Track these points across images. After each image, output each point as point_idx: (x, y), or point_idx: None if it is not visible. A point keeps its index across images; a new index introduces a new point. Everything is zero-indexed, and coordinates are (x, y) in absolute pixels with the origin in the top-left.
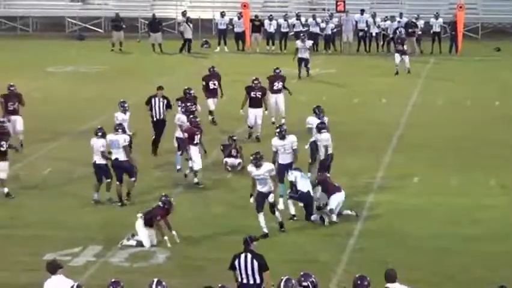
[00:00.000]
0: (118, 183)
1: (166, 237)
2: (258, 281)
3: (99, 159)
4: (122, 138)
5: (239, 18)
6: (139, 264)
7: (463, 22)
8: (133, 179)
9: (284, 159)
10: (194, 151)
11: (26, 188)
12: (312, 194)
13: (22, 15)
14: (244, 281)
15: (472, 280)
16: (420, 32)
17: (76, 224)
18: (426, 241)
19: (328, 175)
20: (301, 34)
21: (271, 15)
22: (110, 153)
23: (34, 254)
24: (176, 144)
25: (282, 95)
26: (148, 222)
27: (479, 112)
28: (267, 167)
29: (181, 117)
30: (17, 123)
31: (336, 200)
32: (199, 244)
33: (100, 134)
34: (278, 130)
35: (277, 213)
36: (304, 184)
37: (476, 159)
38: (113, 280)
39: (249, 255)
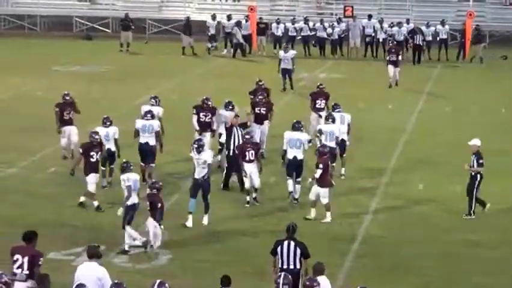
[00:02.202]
0: (142, 164)
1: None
2: (297, 266)
3: (113, 147)
4: (156, 124)
5: (246, 21)
6: (141, 265)
7: (472, 30)
8: (153, 165)
9: (199, 173)
10: (248, 168)
11: (29, 187)
12: (299, 159)
13: (30, 14)
14: (285, 266)
15: (473, 285)
16: (430, 39)
17: (79, 223)
18: (429, 247)
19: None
20: (285, 44)
21: (278, 18)
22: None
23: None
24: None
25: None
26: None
27: (485, 119)
28: (133, 176)
29: (223, 113)
30: (72, 133)
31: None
32: (201, 246)
33: (108, 123)
34: (196, 145)
35: (128, 232)
36: (291, 152)
37: None
38: (115, 281)
39: (292, 243)
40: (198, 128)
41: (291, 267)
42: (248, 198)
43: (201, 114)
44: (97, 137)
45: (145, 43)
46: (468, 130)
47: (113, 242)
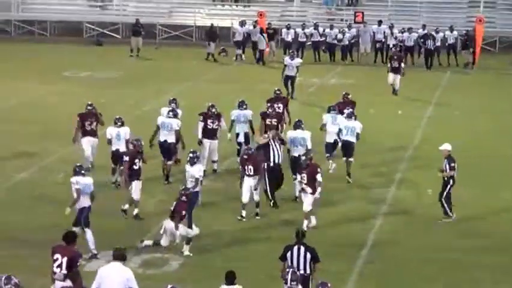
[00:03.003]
0: (164, 160)
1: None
2: (307, 271)
3: (123, 147)
4: (176, 123)
5: (254, 27)
6: (152, 271)
7: (482, 36)
8: (170, 162)
9: (188, 185)
10: (247, 182)
11: (40, 192)
12: (301, 156)
13: (40, 20)
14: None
15: None
16: (439, 44)
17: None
18: (438, 253)
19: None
20: (291, 51)
21: (288, 24)
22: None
23: (47, 258)
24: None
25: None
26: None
27: (494, 125)
28: (84, 180)
29: (239, 112)
30: (93, 145)
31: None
32: (212, 252)
33: (120, 123)
34: (190, 156)
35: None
36: (295, 150)
37: (489, 171)
38: None
39: (302, 248)
40: (201, 136)
41: (301, 272)
42: (244, 213)
43: (209, 121)
44: (142, 143)
45: (155, 48)
46: (477, 136)
47: (124, 246)
